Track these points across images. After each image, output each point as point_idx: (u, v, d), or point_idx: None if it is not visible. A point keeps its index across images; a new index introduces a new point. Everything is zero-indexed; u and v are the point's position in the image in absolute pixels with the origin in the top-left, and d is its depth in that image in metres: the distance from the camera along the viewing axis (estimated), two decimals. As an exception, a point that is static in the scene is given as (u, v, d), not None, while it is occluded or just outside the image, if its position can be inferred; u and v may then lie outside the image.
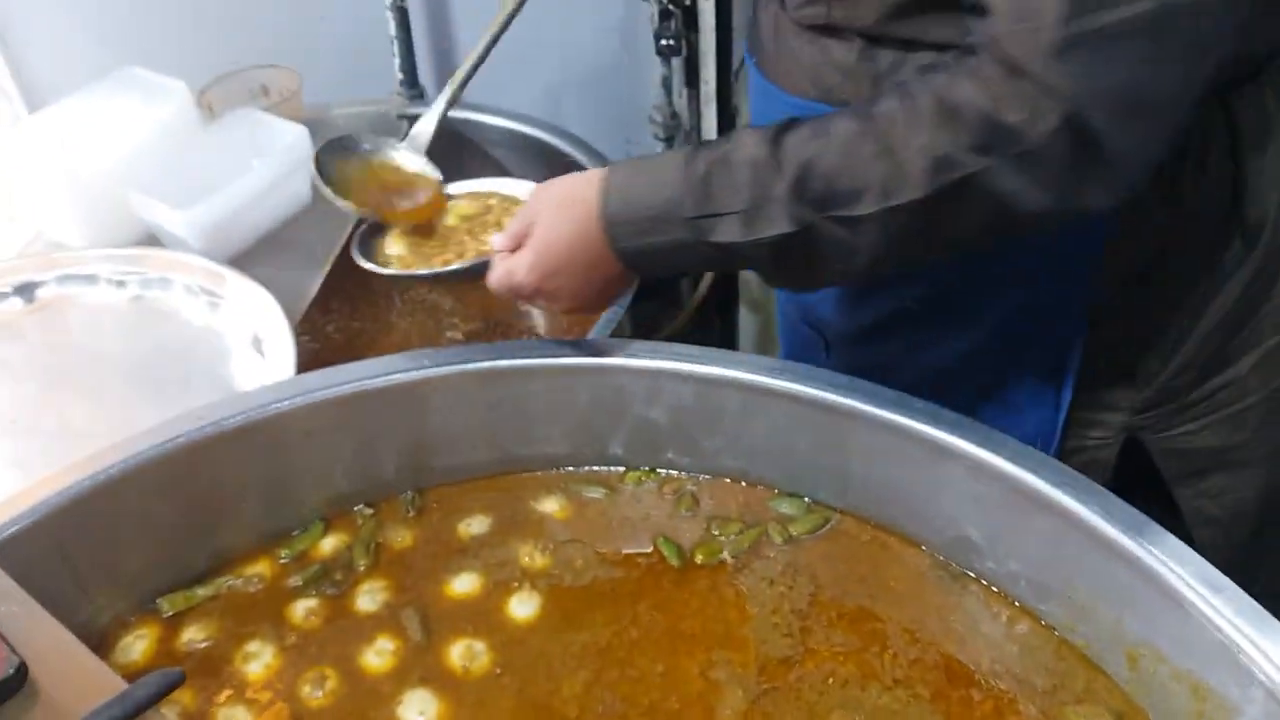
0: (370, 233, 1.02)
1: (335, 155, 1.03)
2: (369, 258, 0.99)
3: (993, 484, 0.69)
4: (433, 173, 1.05)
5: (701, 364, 0.78)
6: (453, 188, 1.04)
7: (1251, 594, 0.59)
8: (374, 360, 0.80)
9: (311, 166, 1.01)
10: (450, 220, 1.01)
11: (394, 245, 1.00)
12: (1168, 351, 0.85)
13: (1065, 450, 0.90)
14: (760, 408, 0.78)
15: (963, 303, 0.87)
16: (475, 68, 1.10)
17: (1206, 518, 0.91)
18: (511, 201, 1.01)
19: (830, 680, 0.69)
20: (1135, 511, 0.63)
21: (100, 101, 1.15)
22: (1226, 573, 0.60)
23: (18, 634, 0.59)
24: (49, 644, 0.60)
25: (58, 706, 0.57)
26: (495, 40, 1.07)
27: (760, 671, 0.69)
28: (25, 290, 1.07)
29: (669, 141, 1.69)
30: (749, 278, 1.82)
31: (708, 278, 1.60)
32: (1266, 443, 0.90)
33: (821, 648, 0.71)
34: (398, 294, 1.32)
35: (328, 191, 1.00)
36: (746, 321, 1.83)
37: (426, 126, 1.09)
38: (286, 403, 0.77)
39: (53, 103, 1.15)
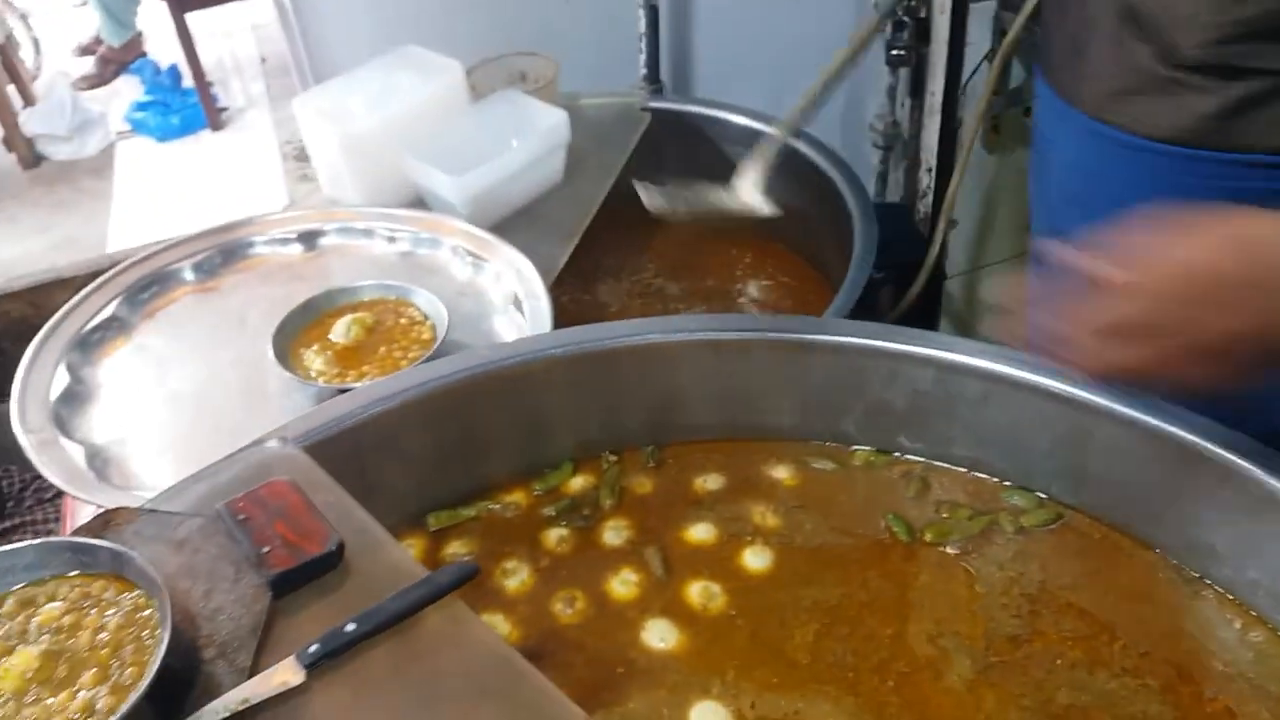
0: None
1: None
2: (283, 362, 0.97)
3: (1240, 490, 0.70)
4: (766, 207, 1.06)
5: (944, 350, 0.81)
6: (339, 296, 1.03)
7: None
8: (627, 322, 0.87)
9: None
10: (354, 334, 1.00)
11: (313, 359, 0.99)
12: None
13: None
14: (1000, 398, 0.80)
15: None
16: (809, 106, 1.11)
17: None
18: (404, 305, 1.03)
19: (1059, 662, 0.71)
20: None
21: (380, 75, 1.27)
22: None
23: (332, 519, 0.68)
24: (359, 530, 0.69)
25: (368, 584, 0.65)
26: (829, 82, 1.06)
27: (988, 646, 0.72)
28: (308, 239, 1.19)
29: (887, 150, 1.72)
30: (951, 290, 1.84)
31: (916, 286, 1.62)
32: None
33: (1050, 631, 0.73)
34: (627, 275, 1.40)
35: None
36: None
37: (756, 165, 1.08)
38: (547, 353, 0.85)
39: (338, 75, 1.29)
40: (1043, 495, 0.82)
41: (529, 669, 0.66)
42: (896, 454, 0.87)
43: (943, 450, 0.86)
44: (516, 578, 0.80)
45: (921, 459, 0.87)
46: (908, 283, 1.71)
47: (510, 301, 1.06)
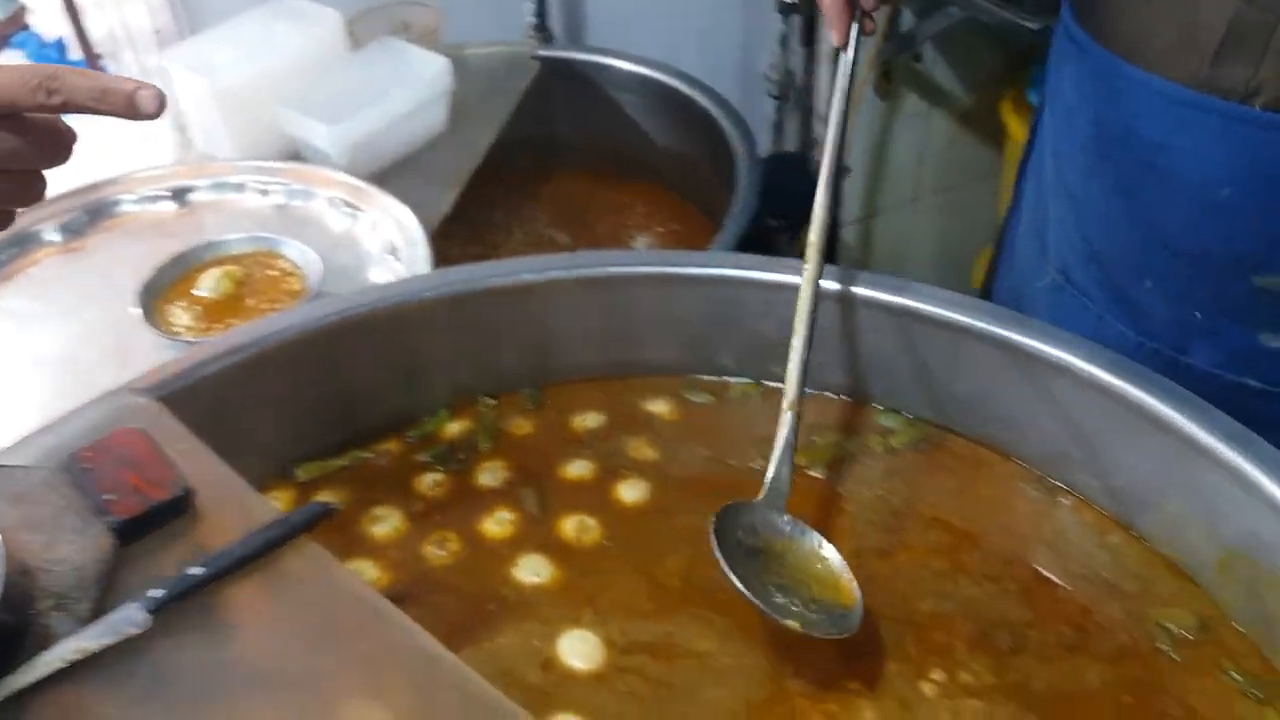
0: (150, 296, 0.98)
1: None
2: (150, 320, 0.95)
3: (1095, 398, 0.71)
4: None
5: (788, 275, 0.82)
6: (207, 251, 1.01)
7: None
8: (500, 261, 0.86)
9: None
10: (223, 288, 0.98)
11: (180, 315, 0.97)
12: None
13: None
14: (869, 323, 0.81)
15: None
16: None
17: None
18: (274, 256, 1.01)
19: (923, 572, 0.72)
20: (1235, 422, 0.65)
21: (255, 26, 1.23)
22: None
23: (186, 468, 0.66)
24: (214, 478, 0.67)
25: (222, 530, 0.64)
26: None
27: (857, 563, 0.73)
28: (179, 195, 1.15)
29: (781, 99, 1.72)
30: (847, 239, 1.85)
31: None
32: None
33: (916, 544, 0.74)
34: (517, 225, 1.38)
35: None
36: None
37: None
38: (418, 296, 0.83)
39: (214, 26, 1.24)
40: (911, 416, 0.83)
41: (391, 609, 0.65)
42: (771, 384, 0.87)
43: (816, 378, 0.86)
44: (387, 524, 0.78)
45: (795, 387, 0.87)
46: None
47: (388, 250, 1.04)
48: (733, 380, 0.88)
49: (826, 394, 0.86)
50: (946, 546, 0.74)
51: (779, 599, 0.67)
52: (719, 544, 0.67)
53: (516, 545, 0.76)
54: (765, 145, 1.77)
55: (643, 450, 0.83)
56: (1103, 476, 0.74)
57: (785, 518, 0.71)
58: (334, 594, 0.64)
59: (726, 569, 0.65)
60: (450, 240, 1.29)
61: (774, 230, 1.67)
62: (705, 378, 0.89)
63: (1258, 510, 0.63)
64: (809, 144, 1.78)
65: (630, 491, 0.80)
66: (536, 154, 1.45)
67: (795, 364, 0.75)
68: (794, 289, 0.82)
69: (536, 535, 0.77)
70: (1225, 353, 0.80)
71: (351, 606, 0.62)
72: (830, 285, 0.81)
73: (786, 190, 1.71)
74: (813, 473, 0.80)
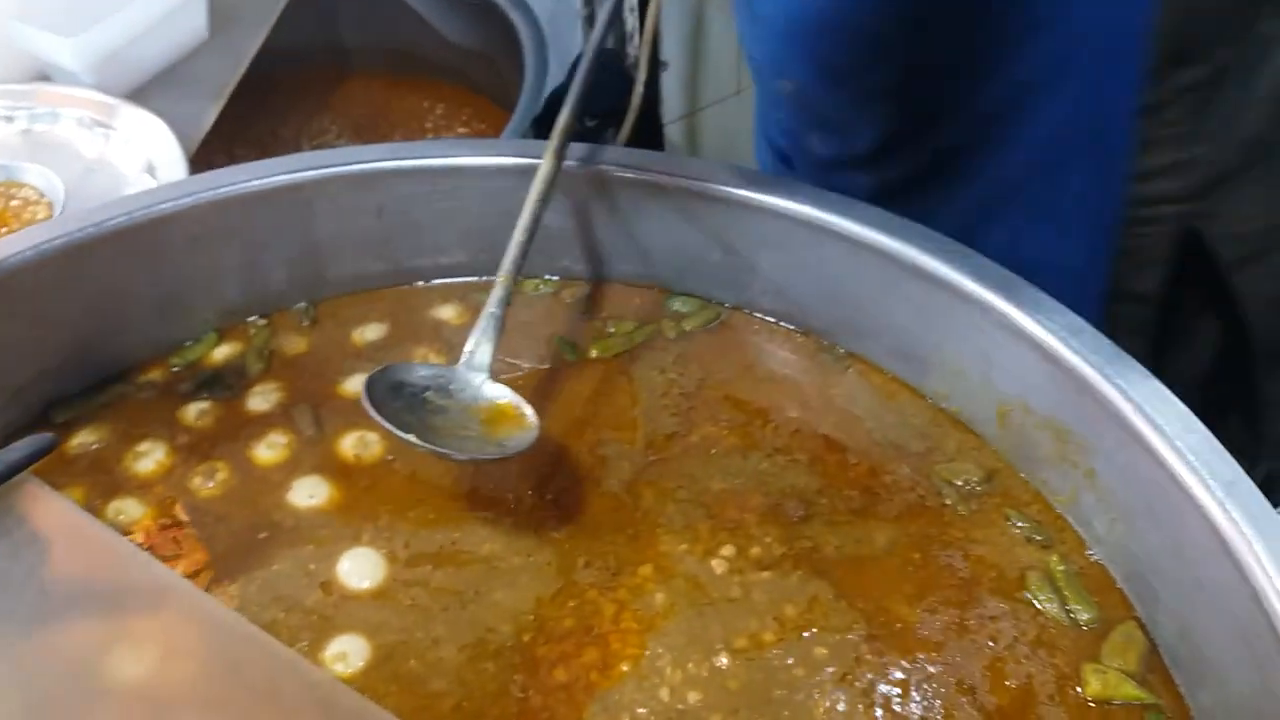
0: None
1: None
2: None
3: (884, 266, 0.69)
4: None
5: (591, 162, 0.78)
6: None
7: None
8: (255, 163, 0.79)
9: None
10: None
11: None
12: (1219, 128, 0.81)
13: (1125, 249, 0.86)
14: (650, 204, 0.78)
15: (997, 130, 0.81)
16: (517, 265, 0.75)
17: (1268, 298, 0.90)
18: (15, 186, 0.92)
19: (714, 451, 0.70)
20: (1002, 269, 0.65)
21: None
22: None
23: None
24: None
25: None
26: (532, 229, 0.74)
27: (647, 447, 0.71)
28: (-91, 129, 1.03)
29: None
30: (673, 137, 1.82)
31: (624, 131, 1.58)
32: None
33: (706, 424, 0.72)
34: (307, 140, 1.30)
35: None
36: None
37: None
38: (167, 205, 0.76)
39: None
40: (704, 298, 0.81)
41: (130, 548, 0.60)
42: (564, 278, 0.84)
43: (608, 268, 0.83)
44: (151, 459, 0.72)
45: (590, 279, 0.84)
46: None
47: (145, 170, 0.95)
48: (526, 278, 0.84)
49: (621, 283, 0.83)
50: (738, 424, 0.72)
51: (463, 443, 0.65)
52: (385, 400, 0.65)
53: (291, 469, 0.71)
54: (579, 42, 1.71)
55: (429, 359, 0.79)
56: (883, 338, 0.73)
57: (480, 378, 0.69)
58: (64, 535, 0.58)
59: (373, 412, 0.63)
60: (231, 160, 1.21)
61: (591, 130, 1.63)
62: (494, 278, 0.84)
63: (1024, 356, 0.63)
64: (624, 38, 1.72)
65: (421, 401, 0.76)
66: (325, 60, 1.36)
67: (516, 235, 0.72)
68: (575, 176, 0.79)
69: (313, 457, 0.72)
70: (802, 155, 0.88)
71: (87, 548, 0.57)
72: (614, 169, 0.78)
73: (600, 87, 1.66)
74: (606, 361, 0.77)
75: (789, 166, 0.95)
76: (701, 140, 1.88)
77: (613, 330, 0.80)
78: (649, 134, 1.72)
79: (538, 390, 0.75)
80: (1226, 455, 0.55)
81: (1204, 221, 0.86)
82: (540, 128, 1.65)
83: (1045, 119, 0.80)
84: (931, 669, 0.58)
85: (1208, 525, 0.53)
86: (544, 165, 0.73)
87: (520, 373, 0.77)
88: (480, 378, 0.69)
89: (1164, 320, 0.89)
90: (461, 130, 1.30)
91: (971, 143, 0.83)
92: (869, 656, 0.59)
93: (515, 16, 1.19)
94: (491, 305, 0.71)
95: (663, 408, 0.74)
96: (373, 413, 0.63)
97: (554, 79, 1.67)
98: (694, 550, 0.64)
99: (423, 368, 0.71)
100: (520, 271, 0.72)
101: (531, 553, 0.65)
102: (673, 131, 1.81)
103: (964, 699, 0.57)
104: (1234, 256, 0.88)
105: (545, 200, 0.73)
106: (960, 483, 0.68)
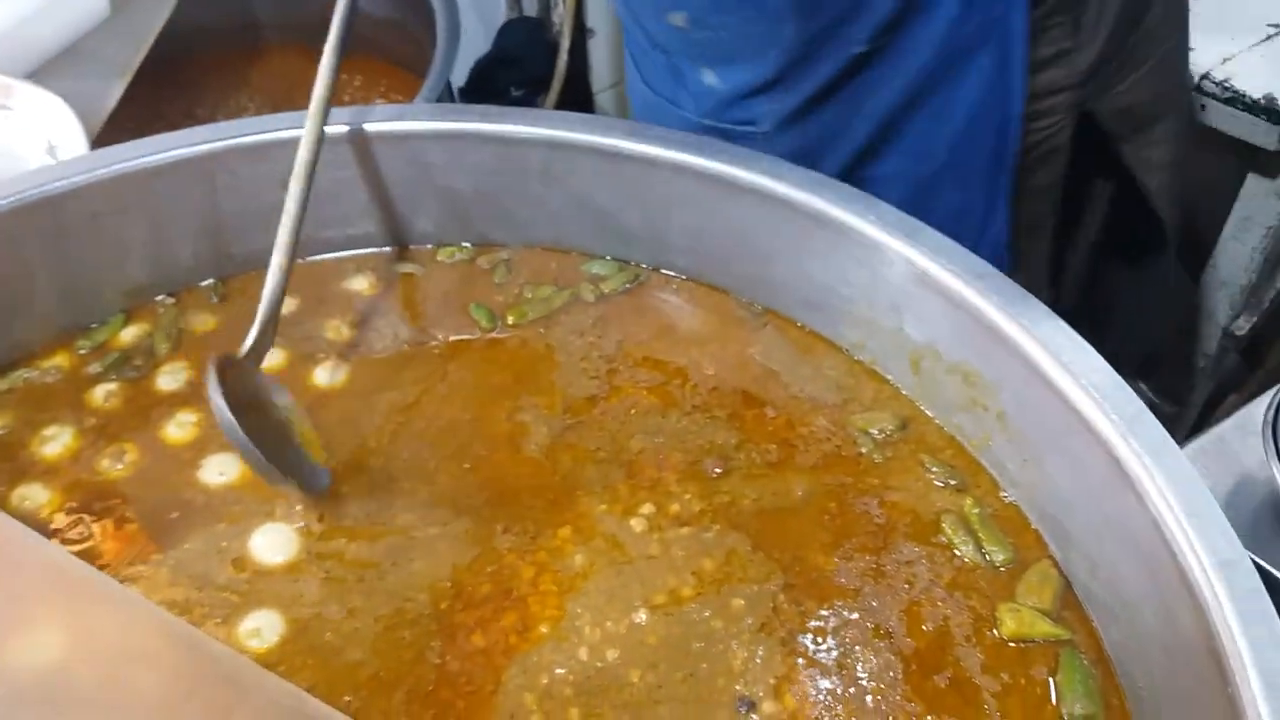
0: None
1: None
2: None
3: (793, 218, 0.69)
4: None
5: (499, 122, 0.77)
6: None
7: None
8: (153, 138, 0.77)
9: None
10: None
11: None
12: (1096, 14, 0.86)
13: (1026, 146, 0.90)
14: (563, 166, 0.77)
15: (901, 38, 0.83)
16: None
17: (1153, 165, 0.96)
18: None
19: (633, 411, 0.70)
20: (906, 216, 0.65)
21: None
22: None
23: None
24: None
25: None
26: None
27: (566, 410, 0.70)
28: None
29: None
30: (605, 105, 1.80)
31: (550, 98, 1.57)
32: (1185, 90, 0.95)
33: (625, 386, 0.72)
34: (224, 118, 1.27)
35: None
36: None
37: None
38: (64, 183, 0.73)
39: None
40: (623, 261, 0.80)
41: (34, 536, 0.58)
42: (479, 245, 0.83)
43: (524, 234, 0.82)
44: (57, 443, 0.70)
45: (506, 246, 0.82)
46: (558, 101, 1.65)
47: (46, 152, 0.92)
48: (440, 245, 0.83)
49: (539, 248, 0.82)
50: (657, 383, 0.72)
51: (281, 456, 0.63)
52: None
53: (201, 447, 0.69)
54: (502, 9, 1.69)
55: (340, 332, 0.77)
56: (796, 291, 0.73)
57: (262, 376, 0.68)
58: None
59: (227, 415, 0.60)
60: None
61: (517, 100, 1.61)
62: (411, 247, 0.83)
63: (930, 301, 0.63)
64: (549, 5, 1.70)
65: (326, 375, 0.74)
66: (240, 36, 1.33)
67: (287, 212, 0.70)
68: (486, 139, 0.77)
69: (222, 434, 0.70)
70: (693, 97, 0.83)
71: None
72: (524, 130, 0.76)
73: (525, 58, 1.64)
74: (523, 328, 0.77)
75: (674, 111, 0.94)
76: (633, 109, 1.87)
77: (530, 296, 0.79)
78: (578, 103, 1.70)
79: (454, 359, 0.74)
80: (1129, 390, 0.55)
81: (1095, 102, 0.90)
82: (468, 98, 1.63)
83: (942, 18, 0.81)
84: (849, 615, 0.59)
85: (1111, 459, 0.54)
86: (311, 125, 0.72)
87: (436, 343, 0.76)
88: (285, 396, 0.69)
89: (1061, 215, 0.92)
90: (380, 102, 1.27)
91: (874, 50, 0.83)
92: (786, 606, 0.59)
93: (429, -15, 1.17)
94: (267, 287, 0.68)
95: (581, 371, 0.73)
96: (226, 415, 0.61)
97: (477, 47, 1.66)
98: (613, 510, 0.64)
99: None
100: (294, 254, 0.70)
101: (448, 521, 0.64)
102: (604, 100, 1.79)
103: (882, 643, 0.58)
104: (1125, 130, 0.94)
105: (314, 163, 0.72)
106: (875, 431, 0.68)
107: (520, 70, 1.57)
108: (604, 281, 0.79)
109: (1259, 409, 0.71)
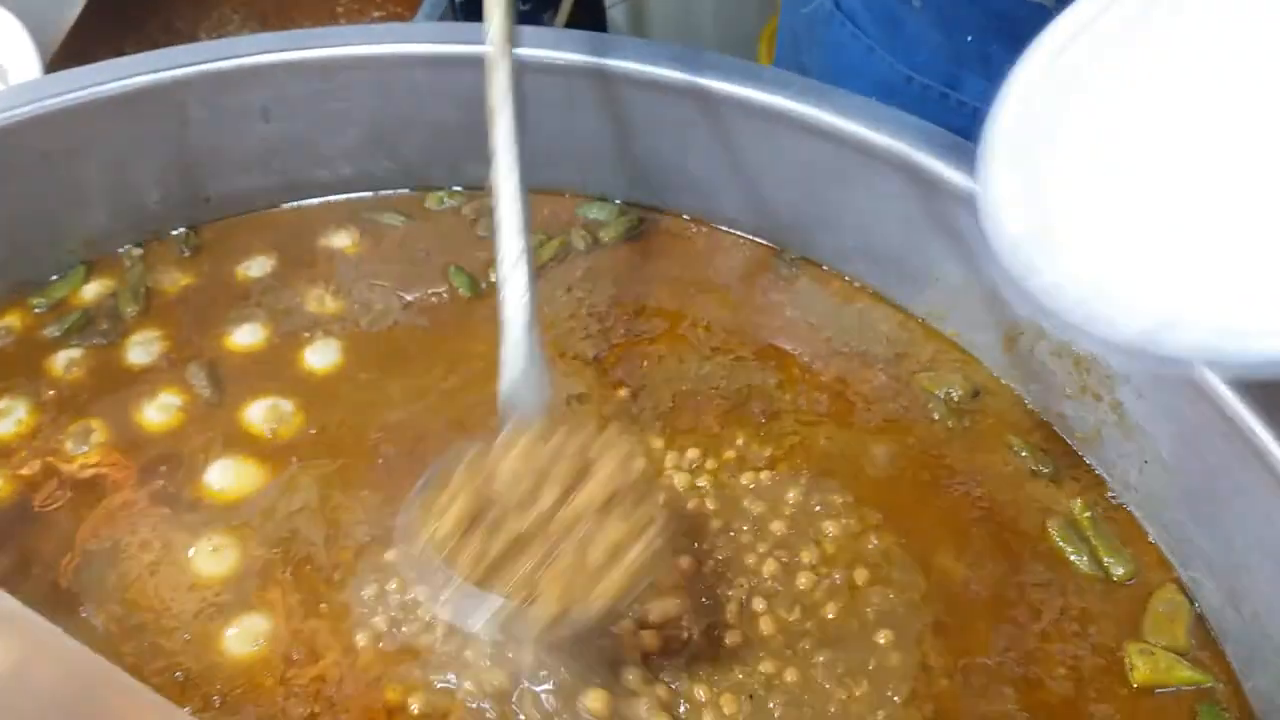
0: None
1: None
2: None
3: (835, 157, 0.59)
4: None
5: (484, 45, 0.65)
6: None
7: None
8: (116, 61, 0.65)
9: None
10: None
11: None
12: None
13: None
14: (553, 91, 0.66)
15: None
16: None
17: None
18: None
19: (644, 365, 0.61)
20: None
21: None
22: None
23: None
24: None
25: None
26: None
27: (571, 374, 0.61)
28: None
29: None
30: (617, 18, 1.66)
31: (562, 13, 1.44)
32: None
33: (623, 341, 0.63)
34: (206, 35, 1.15)
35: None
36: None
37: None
38: (12, 113, 0.62)
39: None
40: (621, 202, 0.70)
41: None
42: (468, 188, 0.72)
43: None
44: (10, 418, 0.61)
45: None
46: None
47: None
48: (429, 190, 0.72)
49: (533, 190, 0.71)
50: (660, 331, 0.63)
51: None
52: None
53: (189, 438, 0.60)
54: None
55: (325, 303, 0.67)
56: (850, 240, 0.63)
57: None
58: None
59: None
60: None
61: (525, 15, 1.48)
62: (394, 192, 0.73)
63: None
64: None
65: (318, 356, 0.64)
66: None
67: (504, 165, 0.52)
68: (469, 60, 0.65)
69: (217, 423, 0.60)
70: (998, 84, 0.69)
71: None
72: (527, 52, 0.64)
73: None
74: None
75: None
76: (649, 24, 1.73)
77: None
78: (590, 18, 1.57)
79: (431, 332, 0.65)
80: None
81: None
82: (471, 15, 1.50)
83: None
84: (989, 661, 0.50)
85: (1265, 468, 0.44)
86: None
87: (414, 312, 0.66)
88: None
89: None
90: (376, 15, 1.15)
91: None
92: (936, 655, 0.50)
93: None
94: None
95: (570, 331, 0.64)
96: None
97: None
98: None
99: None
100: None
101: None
102: (617, 15, 1.65)
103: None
104: None
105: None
106: (945, 395, 0.59)
107: (527, -24, 1.43)
108: (602, 228, 0.69)
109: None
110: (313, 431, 0.60)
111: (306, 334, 0.65)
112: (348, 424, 0.60)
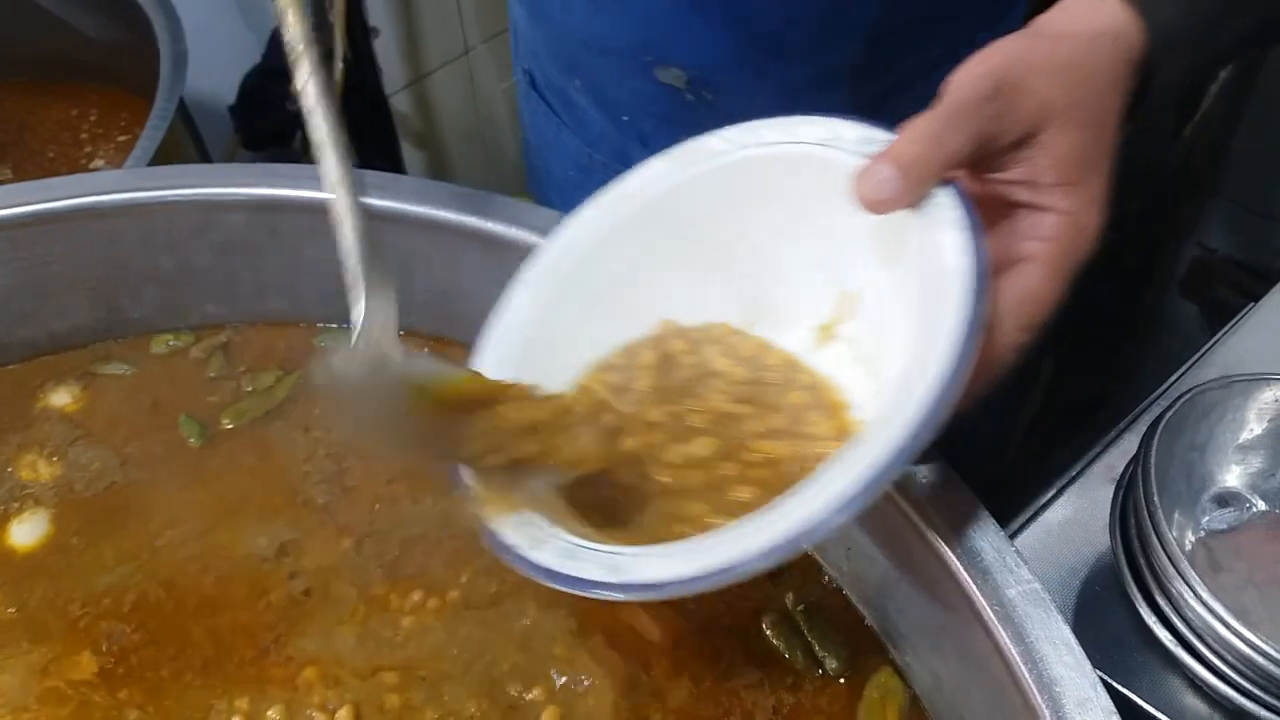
0: None
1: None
2: None
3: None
4: None
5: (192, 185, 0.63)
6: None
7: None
8: None
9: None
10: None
11: None
12: None
13: None
14: (301, 226, 0.63)
15: None
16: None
17: None
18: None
19: (377, 507, 0.59)
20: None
21: None
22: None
23: None
24: None
25: None
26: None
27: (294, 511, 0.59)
28: None
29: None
30: (401, 108, 1.65)
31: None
32: None
33: (361, 485, 0.60)
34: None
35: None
36: (414, 159, 1.68)
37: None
38: None
39: None
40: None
41: None
42: (197, 328, 0.69)
43: (253, 307, 0.68)
44: None
45: (229, 325, 0.69)
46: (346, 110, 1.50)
47: None
48: (155, 334, 0.69)
49: (265, 324, 0.69)
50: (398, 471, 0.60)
51: None
52: None
53: None
54: (273, 17, 1.51)
55: (39, 468, 0.62)
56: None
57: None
58: None
59: None
60: None
61: (293, 115, 1.44)
62: (120, 341, 0.69)
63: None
64: (324, 7, 1.54)
65: (25, 531, 0.60)
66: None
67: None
68: (185, 204, 0.63)
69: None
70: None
71: None
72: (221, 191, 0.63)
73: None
74: (241, 432, 0.63)
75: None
76: (434, 108, 1.72)
77: (250, 389, 0.66)
78: (371, 110, 1.55)
79: (155, 490, 0.61)
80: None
81: None
82: (240, 115, 1.44)
83: None
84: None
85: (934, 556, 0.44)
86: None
87: (136, 468, 0.62)
88: None
89: None
90: (121, 138, 1.10)
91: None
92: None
93: (145, 2, 1.00)
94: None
95: (305, 476, 0.61)
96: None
97: (249, 58, 1.46)
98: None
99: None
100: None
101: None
102: (399, 102, 1.64)
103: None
104: None
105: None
106: None
107: (291, 81, 1.39)
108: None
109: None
110: (12, 611, 0.55)
111: (16, 504, 0.61)
112: (53, 599, 0.56)
